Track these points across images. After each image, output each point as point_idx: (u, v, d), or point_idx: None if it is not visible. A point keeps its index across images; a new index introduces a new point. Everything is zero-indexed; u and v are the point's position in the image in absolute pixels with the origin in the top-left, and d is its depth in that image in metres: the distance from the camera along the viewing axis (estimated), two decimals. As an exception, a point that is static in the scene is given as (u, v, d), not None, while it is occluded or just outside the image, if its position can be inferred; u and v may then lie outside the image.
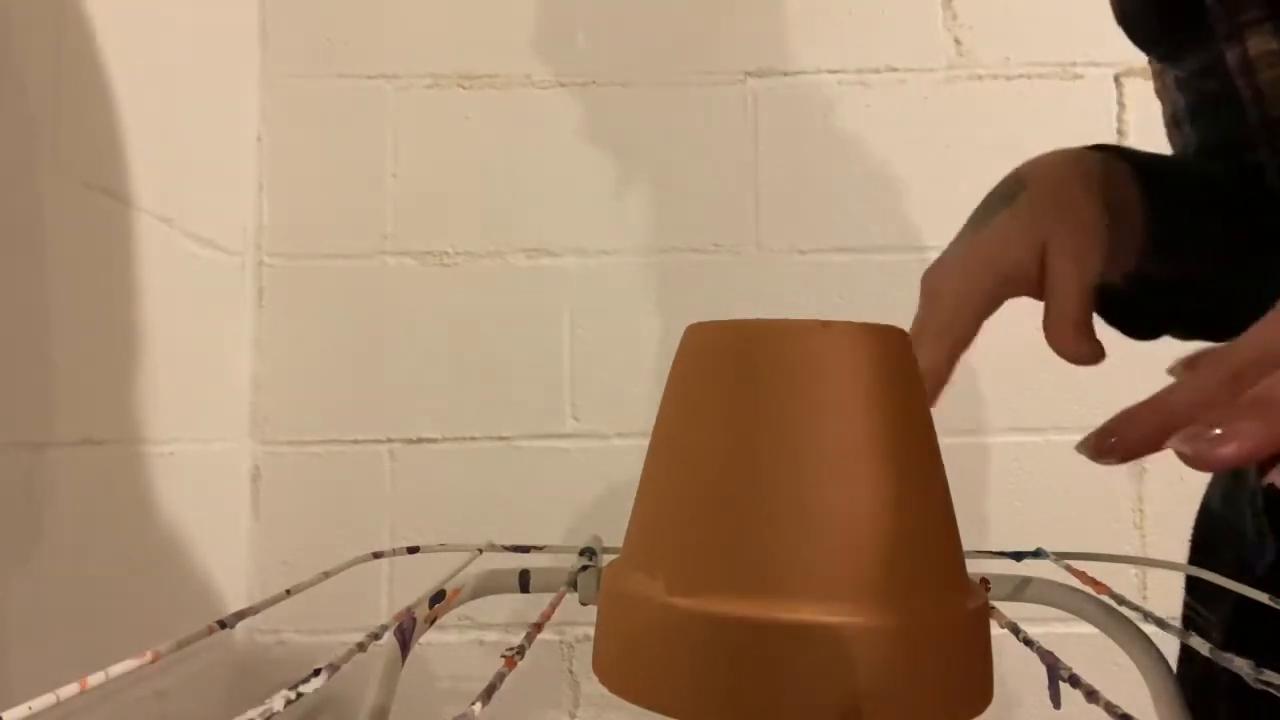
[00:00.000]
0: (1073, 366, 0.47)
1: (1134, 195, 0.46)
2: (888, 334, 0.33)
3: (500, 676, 0.29)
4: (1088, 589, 0.47)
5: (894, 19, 1.13)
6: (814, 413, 0.31)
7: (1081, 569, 0.49)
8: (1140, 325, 0.52)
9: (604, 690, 0.32)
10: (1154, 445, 0.30)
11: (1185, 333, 0.53)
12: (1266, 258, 0.48)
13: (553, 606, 0.40)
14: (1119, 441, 0.31)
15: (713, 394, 0.32)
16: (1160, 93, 0.56)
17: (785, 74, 1.13)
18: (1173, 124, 0.56)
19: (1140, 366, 1.11)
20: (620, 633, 0.32)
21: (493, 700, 0.27)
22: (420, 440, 1.10)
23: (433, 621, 0.41)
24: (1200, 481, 1.06)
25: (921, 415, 0.33)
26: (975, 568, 0.38)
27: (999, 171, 0.48)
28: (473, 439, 1.10)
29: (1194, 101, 0.53)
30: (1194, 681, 0.51)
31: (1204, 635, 0.52)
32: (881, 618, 0.28)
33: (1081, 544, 1.07)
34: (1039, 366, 1.07)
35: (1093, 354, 0.44)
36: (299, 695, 0.28)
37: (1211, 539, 0.56)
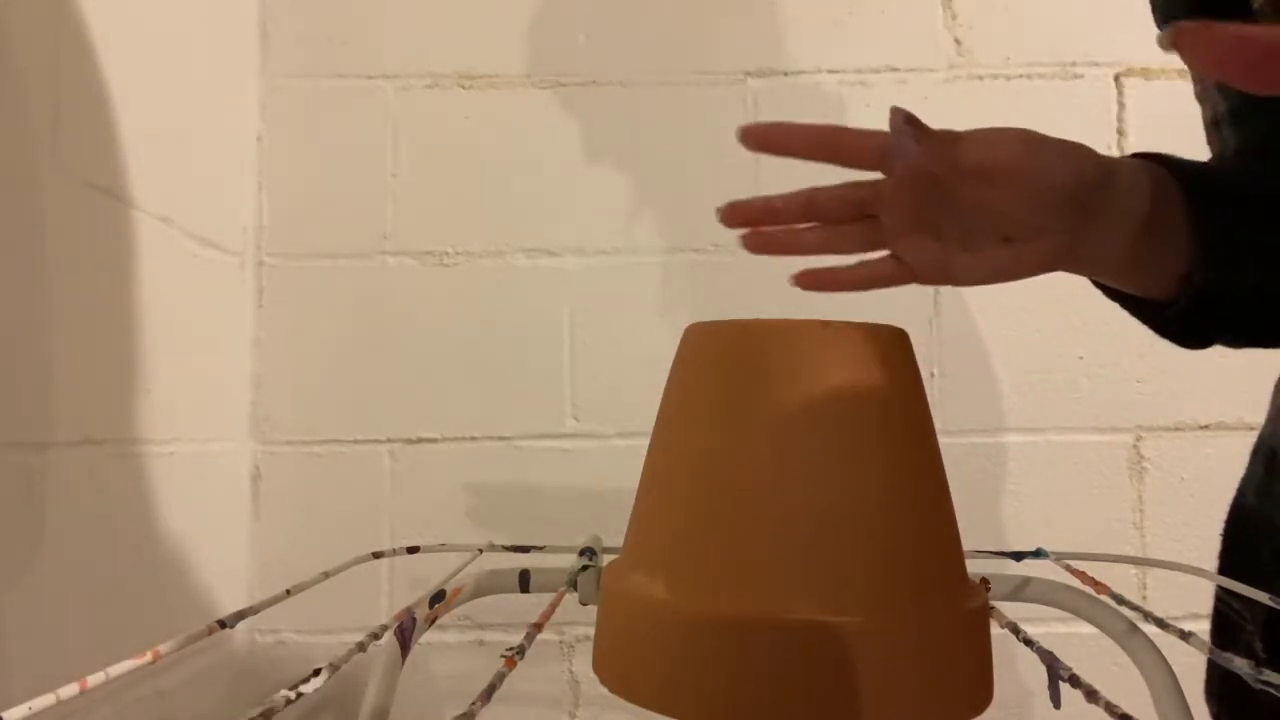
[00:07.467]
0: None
1: (1179, 204, 0.46)
2: (888, 334, 0.33)
3: (500, 676, 0.29)
4: (1088, 589, 0.47)
5: (894, 19, 1.13)
6: (814, 413, 0.30)
7: (1081, 569, 0.49)
8: (1194, 335, 0.52)
9: (604, 690, 0.31)
10: None
11: (1238, 340, 0.52)
12: None
13: (553, 606, 0.40)
14: None
15: (713, 394, 0.32)
16: (1200, 96, 0.57)
17: (785, 74, 1.13)
18: (1213, 126, 0.56)
19: (1141, 366, 1.10)
20: (620, 633, 0.32)
21: (493, 700, 0.27)
22: (420, 440, 1.10)
23: (433, 621, 0.41)
24: (1201, 482, 1.07)
25: (921, 415, 0.33)
26: (975, 568, 0.38)
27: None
28: (473, 439, 1.10)
29: (1237, 104, 0.54)
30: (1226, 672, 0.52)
31: (1236, 630, 0.53)
32: (881, 618, 0.28)
33: (1081, 544, 1.07)
34: (1039, 367, 1.06)
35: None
36: (299, 695, 0.28)
37: (1246, 535, 0.56)
